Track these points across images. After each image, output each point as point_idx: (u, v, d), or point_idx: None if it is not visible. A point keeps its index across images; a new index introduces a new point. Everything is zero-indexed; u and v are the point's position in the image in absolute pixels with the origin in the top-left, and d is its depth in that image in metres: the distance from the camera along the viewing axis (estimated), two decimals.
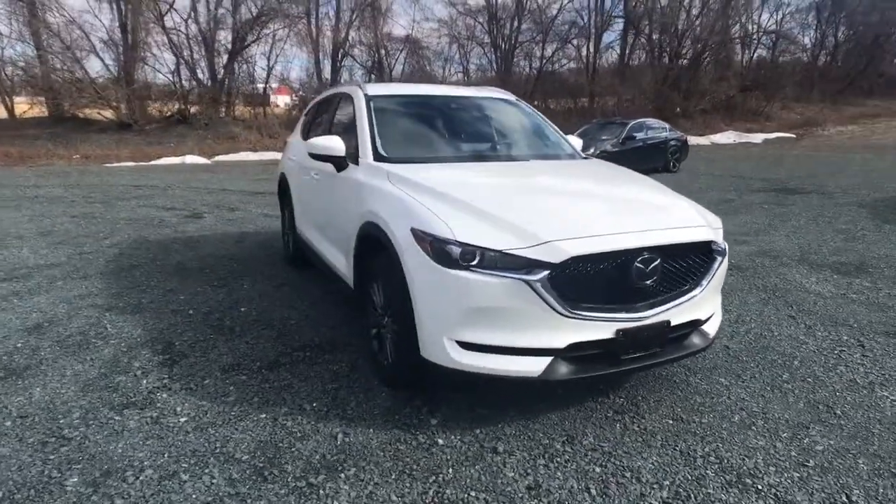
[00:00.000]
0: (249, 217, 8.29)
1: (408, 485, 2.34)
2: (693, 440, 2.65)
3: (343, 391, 3.10)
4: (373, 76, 28.95)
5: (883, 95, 30.46)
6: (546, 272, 2.44)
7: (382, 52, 28.17)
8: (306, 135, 5.23)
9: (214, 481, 2.37)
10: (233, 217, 8.31)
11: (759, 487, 2.32)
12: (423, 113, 4.10)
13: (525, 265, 2.45)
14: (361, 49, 29.05)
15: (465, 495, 2.27)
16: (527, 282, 2.43)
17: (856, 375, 3.30)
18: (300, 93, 26.26)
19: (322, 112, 5.03)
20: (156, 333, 3.92)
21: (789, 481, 2.36)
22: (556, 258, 2.44)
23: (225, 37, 24.40)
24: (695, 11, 26.75)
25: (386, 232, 2.87)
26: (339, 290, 3.84)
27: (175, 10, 22.68)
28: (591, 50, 29.38)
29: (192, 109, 22.39)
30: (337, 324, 4.07)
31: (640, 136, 13.63)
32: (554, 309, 2.46)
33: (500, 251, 2.46)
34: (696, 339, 2.91)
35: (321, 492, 2.30)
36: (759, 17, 31.04)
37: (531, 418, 2.82)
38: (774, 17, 31.71)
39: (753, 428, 2.75)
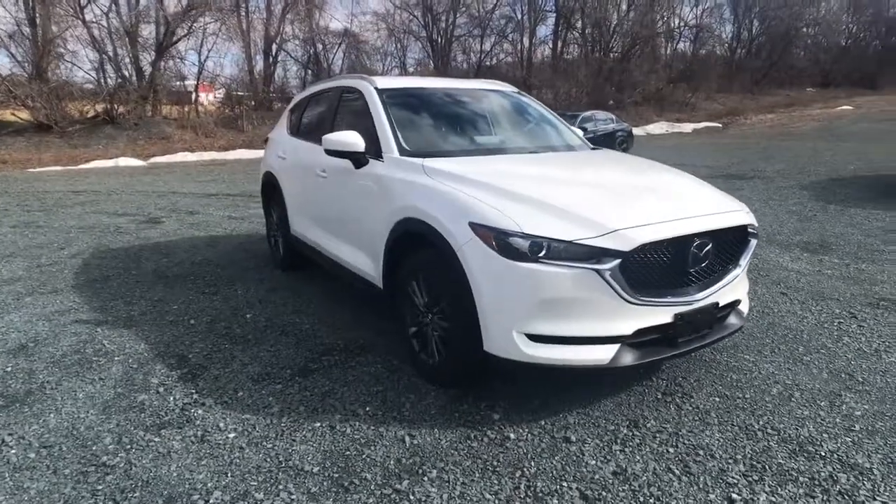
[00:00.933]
0: (213, 220, 7.92)
1: (496, 482, 2.32)
2: (745, 415, 2.77)
3: (391, 393, 3.03)
4: (309, 72, 28.26)
5: (793, 86, 32.85)
6: (617, 261, 2.47)
7: (320, 46, 27.54)
8: (296, 131, 5.05)
9: (293, 497, 2.26)
10: (195, 221, 7.91)
11: (822, 454, 2.45)
12: (436, 106, 4.05)
13: (594, 254, 2.47)
14: (296, 43, 28.30)
15: (557, 486, 2.28)
16: (597, 271, 2.46)
17: (860, 344, 3.54)
18: (236, 92, 25.23)
19: (314, 107, 4.86)
20: (162, 347, 3.68)
21: (846, 446, 2.51)
22: (626, 246, 2.48)
23: (150, 31, 23.11)
24: (624, 6, 27.83)
25: (436, 228, 2.82)
26: (342, 290, 3.74)
27: (94, 2, 21.22)
28: (526, 44, 29.94)
29: (120, 109, 21.05)
30: (353, 325, 3.96)
31: (590, 127, 14.07)
32: (621, 297, 2.50)
33: (569, 241, 2.48)
34: (734, 319, 3.04)
35: (411, 497, 2.24)
36: (681, 11, 32.65)
37: (588, 406, 2.86)
38: (694, 11, 33.50)
39: (793, 399, 2.90)
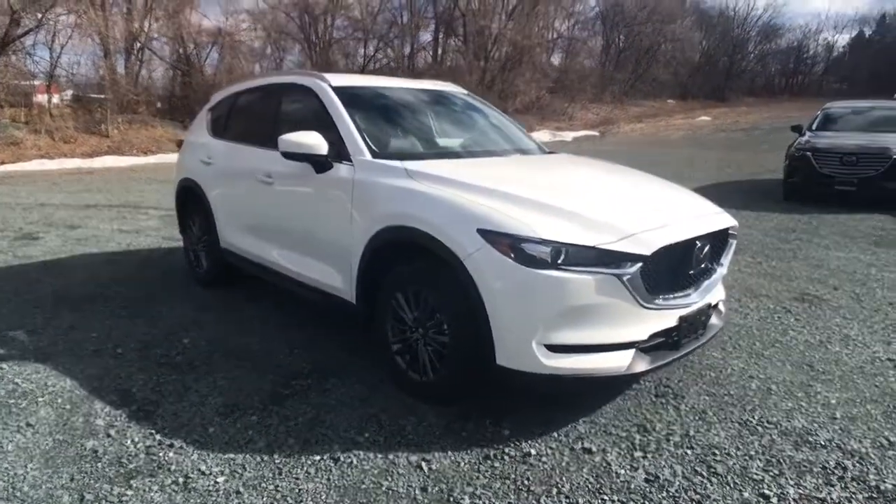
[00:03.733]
0: (102, 235, 7.00)
1: (535, 502, 2.19)
2: (738, 411, 2.87)
3: (385, 416, 2.79)
4: (178, 72, 26.18)
5: (656, 97, 36.03)
6: (638, 265, 2.45)
7: (191, 45, 25.65)
8: (223, 133, 4.58)
9: None
10: (81, 236, 6.94)
11: (822, 443, 2.60)
12: (396, 106, 3.84)
13: (615, 259, 2.43)
14: (163, 42, 26.12)
15: (599, 501, 2.20)
16: (618, 276, 2.42)
17: (805, 337, 3.84)
18: (86, 94, 22.65)
19: (246, 107, 4.44)
20: (94, 382, 3.14)
21: (837, 433, 2.67)
22: (646, 250, 2.46)
23: None
24: (504, 16, 28.80)
25: (434, 236, 2.64)
26: (284, 306, 3.43)
27: None
28: (408, 50, 30.03)
29: None
30: (311, 345, 3.63)
31: None
32: (638, 301, 2.49)
33: (591, 247, 2.42)
34: (716, 320, 3.15)
35: None
36: (555, 23, 34.55)
37: (591, 414, 2.82)
38: (567, 23, 35.62)
39: (773, 392, 3.06)
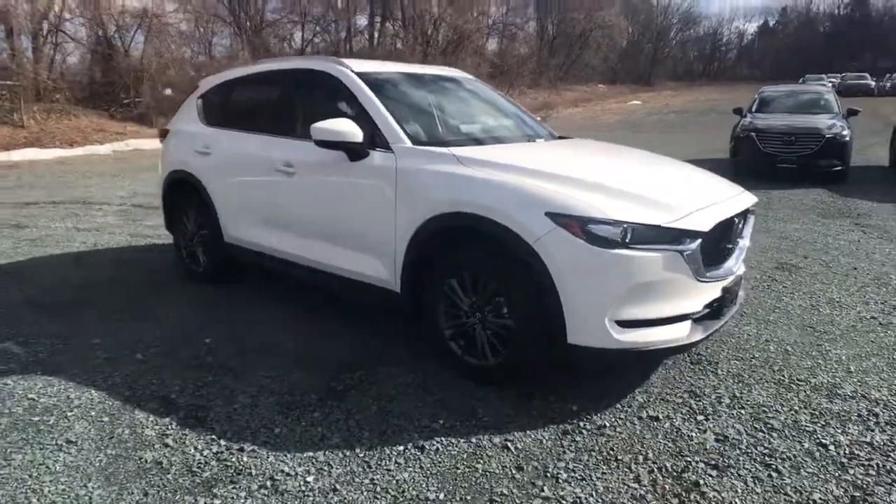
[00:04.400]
0: (58, 235, 6.51)
1: (628, 470, 2.30)
2: (768, 371, 3.10)
3: (452, 401, 2.82)
4: (99, 56, 24.43)
5: (588, 82, 37.23)
6: (698, 241, 2.59)
7: (112, 27, 24.00)
8: (223, 122, 4.38)
9: None
10: (32, 236, 6.43)
11: (849, 394, 2.86)
12: (416, 92, 3.81)
13: (678, 237, 2.56)
14: (78, 23, 24.28)
15: (685, 463, 2.34)
16: (680, 252, 2.56)
17: (798, 302, 4.16)
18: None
19: (252, 93, 4.28)
20: (125, 391, 2.98)
21: (858, 385, 2.95)
22: (704, 227, 2.61)
23: None
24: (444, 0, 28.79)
25: (498, 221, 2.68)
26: (301, 299, 3.45)
27: None
28: (344, 34, 29.45)
29: None
30: (346, 336, 3.58)
31: None
32: (695, 275, 2.63)
33: (657, 226, 2.53)
34: (741, 291, 3.35)
35: (564, 501, 2.12)
36: (490, 9, 34.83)
37: (642, 384, 2.97)
38: (501, 9, 36.03)
39: (791, 353, 3.32)
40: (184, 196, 4.60)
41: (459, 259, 2.93)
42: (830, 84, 27.42)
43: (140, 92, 17.56)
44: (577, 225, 2.52)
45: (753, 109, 10.95)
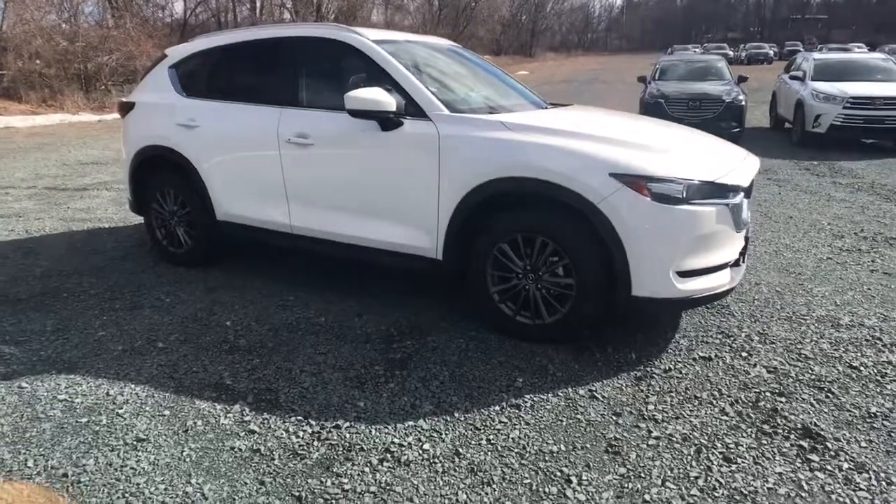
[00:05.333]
0: None
1: (716, 405, 2.53)
2: (774, 310, 3.47)
3: (518, 361, 2.90)
4: None
5: (481, 53, 37.79)
6: (741, 195, 2.84)
7: None
8: (204, 92, 4.05)
9: (609, 478, 2.11)
10: None
11: (848, 324, 3.30)
12: (427, 60, 3.74)
13: (726, 191, 2.80)
14: None
15: (756, 393, 2.61)
16: (728, 206, 2.80)
17: (765, 248, 4.65)
18: None
19: (243, 63, 3.97)
20: (169, 382, 2.77)
21: (851, 316, 3.40)
22: (745, 182, 2.87)
23: None
24: None
25: (560, 184, 2.77)
26: (305, 273, 3.61)
27: None
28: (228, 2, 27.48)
29: None
30: (369, 309, 3.51)
31: None
32: (735, 226, 2.89)
33: (711, 182, 2.75)
34: None
35: (678, 436, 2.31)
36: None
37: (679, 331, 3.22)
38: None
39: (783, 294, 3.74)
40: (161, 173, 4.21)
41: (512, 222, 2.99)
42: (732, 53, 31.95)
43: (4, 64, 15.37)
44: (642, 184, 2.67)
45: (656, 78, 11.78)
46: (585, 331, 3.02)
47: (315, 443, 2.32)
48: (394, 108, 3.11)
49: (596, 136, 2.93)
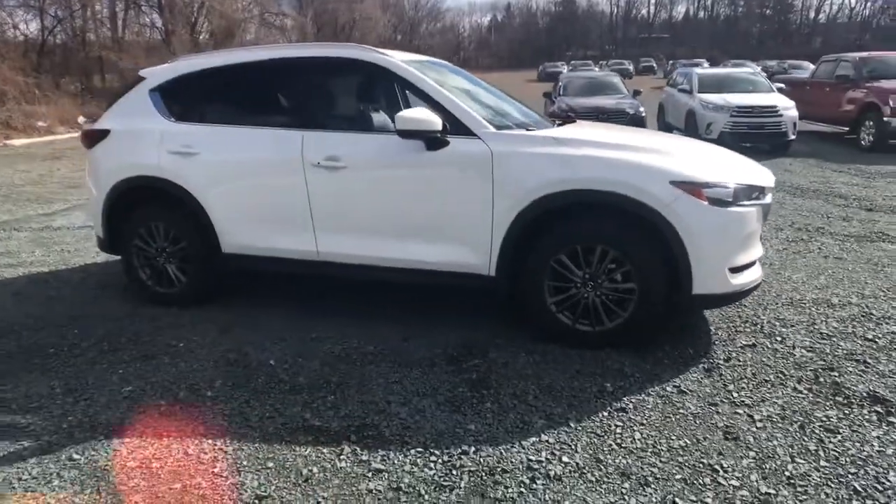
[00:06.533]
0: None
1: (787, 384, 2.79)
2: (777, 298, 3.88)
3: (593, 367, 2.99)
4: None
5: None
6: (770, 195, 3.17)
7: None
8: (200, 116, 3.74)
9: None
10: None
11: (838, 303, 3.76)
12: (450, 79, 3.75)
13: (761, 192, 3.11)
14: None
15: (813, 368, 2.91)
16: (762, 205, 3.11)
17: None
18: None
19: (249, 85, 3.73)
20: (268, 429, 2.54)
21: (835, 296, 3.88)
22: (772, 183, 3.20)
23: None
24: None
25: (626, 193, 2.92)
26: (322, 300, 3.65)
27: None
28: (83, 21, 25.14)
29: None
30: (412, 331, 3.43)
31: None
32: (763, 224, 3.22)
33: (751, 185, 3.04)
34: None
35: (764, 414, 2.52)
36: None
37: (710, 325, 3.50)
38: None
39: (773, 282, 4.17)
40: (146, 207, 3.81)
41: (570, 234, 3.09)
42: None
43: None
44: (700, 190, 2.90)
45: (561, 93, 12.56)
46: (649, 332, 3.18)
47: (453, 472, 2.25)
48: (439, 128, 3.11)
49: (644, 148, 3.13)
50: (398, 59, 3.42)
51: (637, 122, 10.90)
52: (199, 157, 3.62)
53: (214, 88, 3.82)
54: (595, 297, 3.11)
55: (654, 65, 48.20)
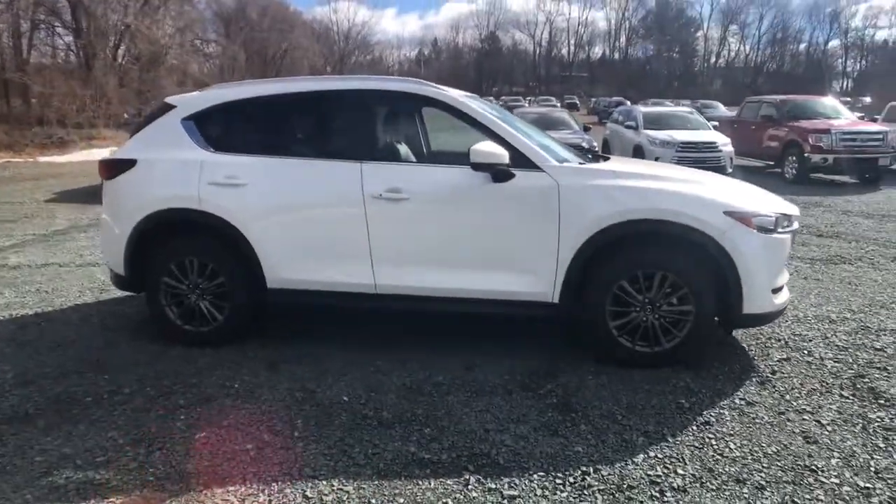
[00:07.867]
0: None
1: (827, 392, 3.09)
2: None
3: (661, 385, 3.19)
4: None
5: None
6: (796, 222, 3.53)
7: None
8: (242, 147, 3.69)
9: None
10: None
11: (836, 318, 4.19)
12: (496, 113, 3.90)
13: (791, 220, 3.46)
14: None
15: (848, 374, 3.24)
16: (792, 232, 3.47)
17: None
18: None
19: (298, 117, 3.74)
20: (378, 465, 2.52)
21: (832, 312, 4.32)
22: (797, 212, 3.56)
23: None
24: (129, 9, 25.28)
25: (686, 223, 3.19)
26: (374, 334, 3.72)
27: None
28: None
29: None
30: (471, 362, 3.50)
31: None
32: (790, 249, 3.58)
33: (786, 214, 3.39)
34: None
35: (821, 410, 2.79)
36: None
37: (734, 340, 3.80)
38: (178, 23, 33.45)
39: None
40: (179, 241, 3.68)
41: (632, 261, 3.31)
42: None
43: None
44: (749, 219, 3.21)
45: None
46: (704, 350, 3.42)
47: (585, 492, 2.34)
48: (507, 161, 3.26)
49: (692, 181, 3.43)
50: (456, 95, 3.56)
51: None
52: (245, 189, 3.55)
53: (261, 118, 3.78)
54: (654, 319, 3.32)
55: (577, 102, 50.94)
